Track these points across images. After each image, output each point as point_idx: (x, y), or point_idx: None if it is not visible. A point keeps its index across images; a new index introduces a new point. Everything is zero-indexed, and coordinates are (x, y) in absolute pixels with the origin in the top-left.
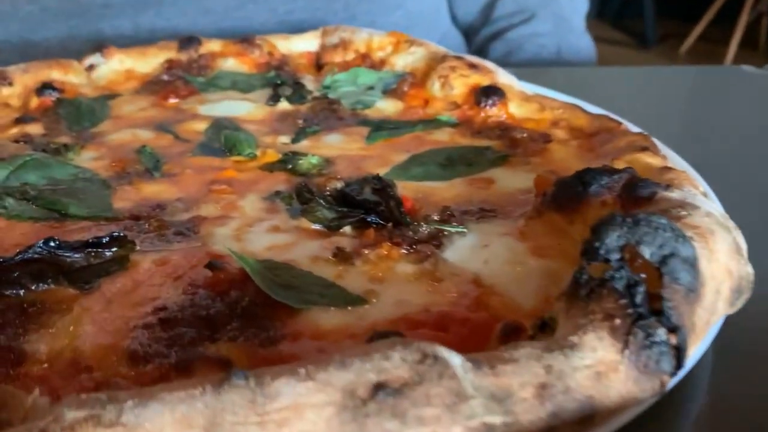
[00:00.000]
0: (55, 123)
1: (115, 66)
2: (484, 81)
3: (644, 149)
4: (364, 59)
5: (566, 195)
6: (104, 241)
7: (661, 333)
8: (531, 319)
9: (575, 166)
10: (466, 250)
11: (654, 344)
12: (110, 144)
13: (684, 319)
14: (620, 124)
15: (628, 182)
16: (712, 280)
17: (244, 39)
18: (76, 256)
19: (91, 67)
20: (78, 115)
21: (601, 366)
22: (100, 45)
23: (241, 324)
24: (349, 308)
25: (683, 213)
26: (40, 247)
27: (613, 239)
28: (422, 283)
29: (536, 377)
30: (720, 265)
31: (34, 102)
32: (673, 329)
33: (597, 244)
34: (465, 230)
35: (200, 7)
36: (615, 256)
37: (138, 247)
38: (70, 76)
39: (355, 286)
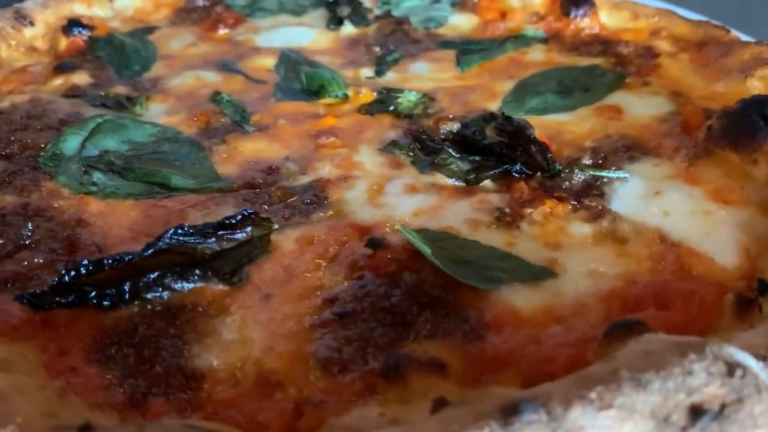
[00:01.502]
0: (100, 69)
1: None
2: None
3: None
4: None
5: (742, 130)
6: (236, 221)
7: None
8: (742, 282)
9: (700, 84)
10: (636, 199)
11: None
12: (176, 92)
13: None
14: (728, 31)
15: None
16: None
17: None
18: (209, 242)
19: None
20: (123, 56)
21: None
22: None
23: (432, 315)
24: (539, 283)
25: None
26: (170, 237)
27: None
28: (606, 247)
29: None
30: None
31: (63, 43)
32: None
33: None
34: (627, 175)
35: None
36: None
37: (275, 225)
38: (95, 8)
39: (533, 255)
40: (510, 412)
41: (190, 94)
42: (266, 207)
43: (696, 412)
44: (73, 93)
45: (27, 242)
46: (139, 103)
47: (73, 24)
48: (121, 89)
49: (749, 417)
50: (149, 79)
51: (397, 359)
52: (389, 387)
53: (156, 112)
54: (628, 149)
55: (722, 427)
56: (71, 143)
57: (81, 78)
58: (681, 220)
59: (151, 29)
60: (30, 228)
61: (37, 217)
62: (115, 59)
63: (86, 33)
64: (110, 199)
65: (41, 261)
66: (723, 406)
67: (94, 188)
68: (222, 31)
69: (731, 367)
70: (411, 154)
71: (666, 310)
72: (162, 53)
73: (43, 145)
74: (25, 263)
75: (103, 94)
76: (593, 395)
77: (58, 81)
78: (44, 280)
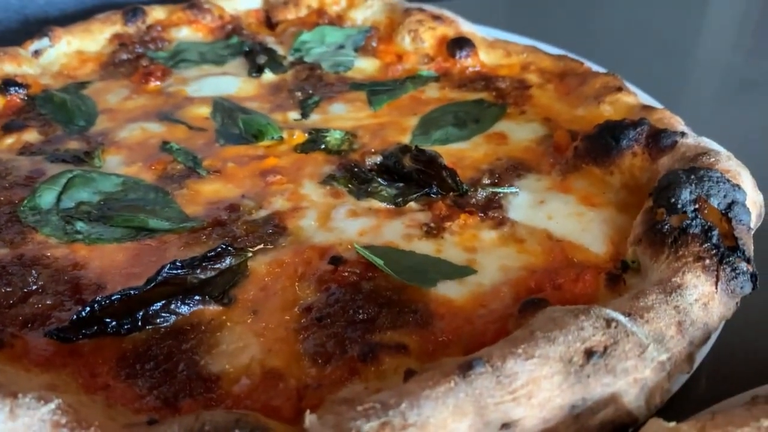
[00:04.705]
0: (47, 125)
1: (63, 48)
2: (449, 31)
3: (619, 89)
4: (320, 15)
5: (599, 149)
6: (216, 253)
7: (743, 266)
8: (610, 263)
9: (564, 110)
10: (527, 208)
11: (739, 275)
12: (127, 143)
13: (751, 250)
14: (582, 63)
15: (650, 133)
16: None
17: (192, 5)
18: (197, 272)
19: (36, 53)
20: (66, 113)
21: (704, 298)
22: (44, 27)
23: (390, 311)
24: (464, 279)
25: (712, 159)
26: (166, 271)
27: (686, 194)
28: (509, 246)
29: (672, 317)
30: (749, 199)
31: (1, 102)
32: (747, 260)
33: (674, 200)
34: (517, 190)
35: None
36: (691, 208)
37: (250, 254)
38: (24, 67)
39: (456, 258)
40: (466, 368)
41: (140, 144)
42: (238, 239)
43: (589, 353)
44: (29, 151)
45: (34, 288)
46: (96, 157)
47: (8, 83)
48: (74, 144)
49: (622, 352)
50: (97, 133)
51: (370, 346)
52: (367, 368)
53: (114, 163)
54: (516, 168)
55: (606, 361)
56: (47, 198)
57: (31, 136)
58: (562, 221)
59: (83, 84)
60: (34, 275)
61: (36, 266)
62: (59, 116)
63: (22, 91)
64: (96, 244)
65: (51, 302)
66: (606, 348)
67: (79, 236)
68: (153, 84)
69: (608, 322)
70: (350, 185)
71: (559, 290)
72: (101, 107)
73: (17, 201)
74: (39, 306)
75: (59, 149)
76: (520, 351)
77: (10, 140)
78: (60, 318)
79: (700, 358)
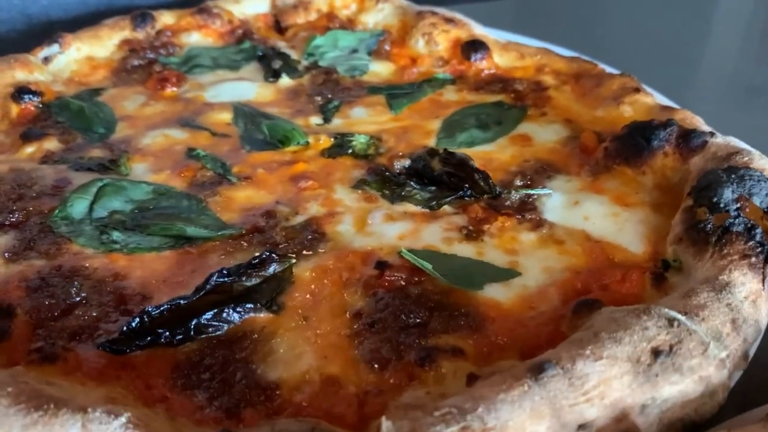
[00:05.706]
0: (66, 133)
1: (73, 55)
2: (462, 34)
3: (637, 90)
4: (330, 19)
5: (630, 150)
6: (261, 260)
7: None
8: (650, 263)
9: (583, 111)
10: (562, 209)
11: None
12: (152, 150)
13: None
14: (595, 65)
15: (680, 133)
16: None
17: (201, 9)
18: (242, 280)
19: (46, 60)
20: (85, 121)
21: (752, 295)
22: (53, 34)
23: (440, 316)
24: (509, 281)
25: (746, 159)
26: (215, 280)
27: (728, 193)
28: (550, 248)
29: (726, 315)
30: None
31: (15, 110)
32: None
33: (716, 199)
34: (550, 191)
35: None
36: (733, 207)
37: (294, 260)
38: (36, 74)
39: (498, 260)
40: (537, 370)
41: (165, 151)
42: (279, 246)
43: (656, 353)
44: (51, 159)
45: (77, 299)
46: (122, 165)
47: (22, 91)
48: (97, 152)
49: (687, 351)
50: (119, 141)
51: (427, 351)
52: (426, 373)
53: (141, 171)
54: (544, 170)
55: (673, 360)
56: (78, 207)
57: (51, 144)
58: (598, 222)
59: (97, 91)
60: (76, 286)
61: (76, 277)
62: (77, 124)
63: (36, 99)
64: (135, 254)
65: (96, 314)
66: (671, 347)
67: (116, 246)
68: (170, 90)
69: (670, 321)
70: (386, 191)
71: (606, 290)
72: (119, 114)
73: (46, 212)
74: (85, 317)
75: (83, 157)
76: (588, 352)
77: (30, 149)
78: (107, 329)
79: None
